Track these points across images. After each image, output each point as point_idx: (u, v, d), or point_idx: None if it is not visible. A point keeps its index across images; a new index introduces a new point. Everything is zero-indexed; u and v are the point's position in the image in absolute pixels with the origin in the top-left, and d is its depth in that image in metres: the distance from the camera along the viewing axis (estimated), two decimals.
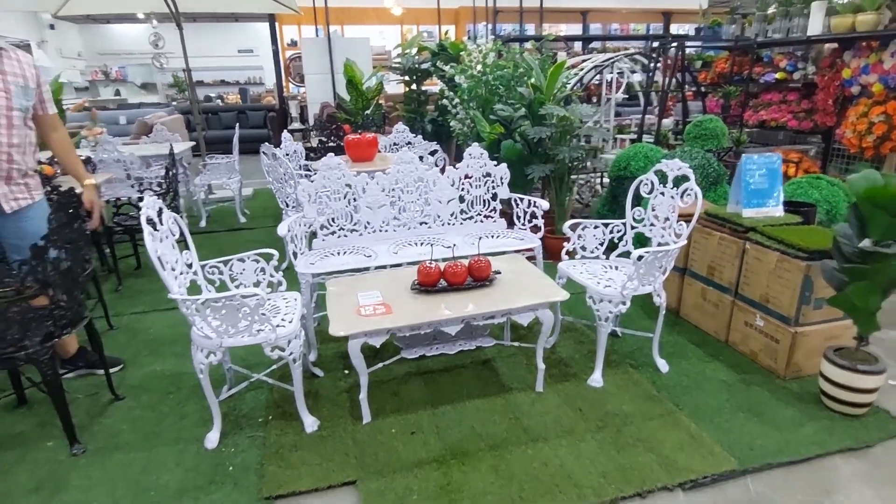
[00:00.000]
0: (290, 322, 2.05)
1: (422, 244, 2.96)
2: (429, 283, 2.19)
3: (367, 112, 6.71)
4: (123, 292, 3.66)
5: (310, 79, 8.39)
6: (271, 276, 2.36)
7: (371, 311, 2.03)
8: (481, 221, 3.19)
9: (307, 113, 9.25)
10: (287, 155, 4.46)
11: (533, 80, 4.02)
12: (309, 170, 4.79)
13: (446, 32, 12.82)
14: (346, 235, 2.97)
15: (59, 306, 1.99)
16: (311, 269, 2.55)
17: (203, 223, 5.26)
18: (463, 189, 3.13)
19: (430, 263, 2.19)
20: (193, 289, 2.17)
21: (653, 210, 2.56)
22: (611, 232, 2.68)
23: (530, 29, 10.93)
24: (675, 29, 12.77)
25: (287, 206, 3.80)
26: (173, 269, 2.00)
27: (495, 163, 3.14)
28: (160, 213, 2.03)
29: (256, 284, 2.34)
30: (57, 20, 9.72)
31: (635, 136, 4.95)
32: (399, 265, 2.64)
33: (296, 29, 13.63)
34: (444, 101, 5.39)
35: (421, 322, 2.00)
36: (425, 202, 3.07)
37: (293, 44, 13.65)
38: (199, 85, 16.89)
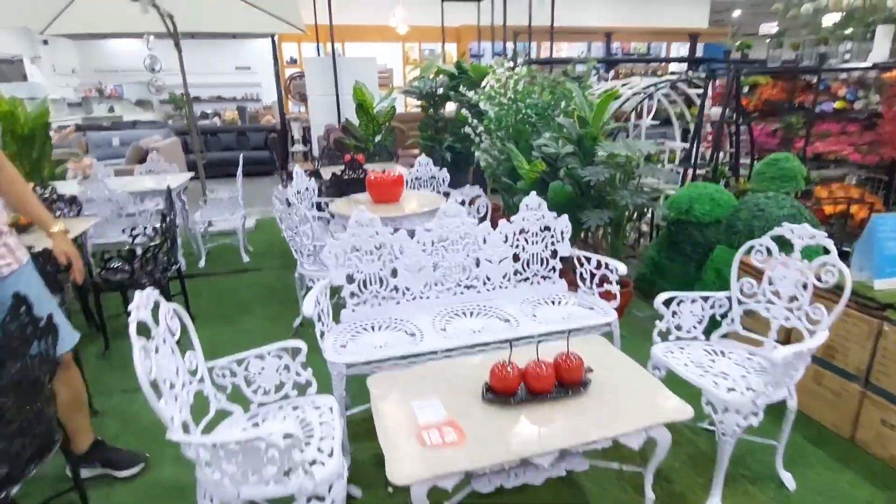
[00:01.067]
0: (329, 455, 1.54)
1: (471, 314, 2.46)
2: (506, 392, 1.69)
3: (378, 139, 6.26)
4: (112, 358, 3.12)
5: (314, 100, 7.93)
6: (297, 374, 1.85)
7: (438, 440, 1.52)
8: (538, 283, 2.69)
9: (310, 135, 8.78)
10: (299, 193, 3.96)
11: (576, 110, 3.57)
12: (321, 208, 4.29)
13: (442, 51, 12.49)
14: (379, 304, 2.46)
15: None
16: (344, 358, 2.04)
17: (202, 263, 4.74)
18: (517, 246, 2.64)
19: (508, 366, 1.69)
20: (199, 399, 1.66)
21: (769, 283, 2.07)
22: (712, 307, 2.18)
23: (537, 49, 10.55)
24: (679, 49, 12.49)
25: (302, 254, 3.30)
26: (172, 387, 1.48)
27: (555, 214, 2.66)
28: (156, 307, 1.52)
29: (280, 387, 1.83)
30: (51, 36, 9.26)
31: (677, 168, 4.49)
32: (452, 351, 2.13)
33: (296, 46, 13.25)
34: (468, 129, 4.94)
35: (508, 460, 1.48)
36: (474, 262, 2.57)
37: (293, 62, 13.25)
38: (196, 101, 16.48)
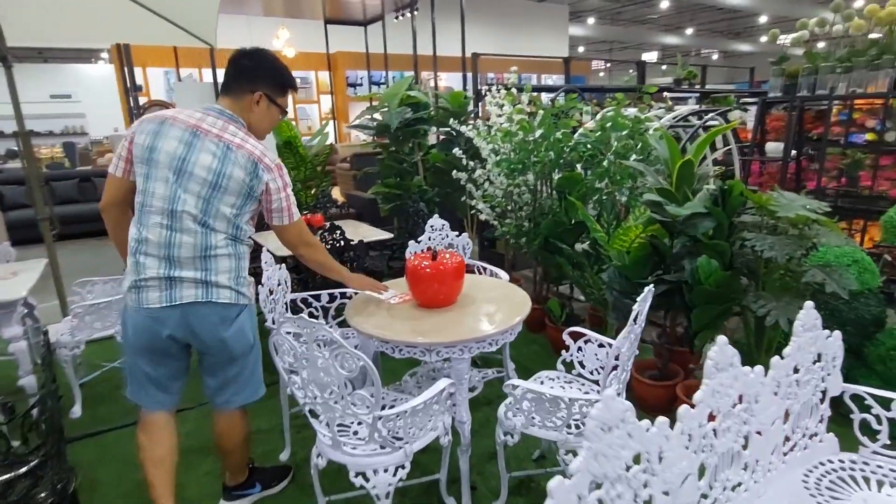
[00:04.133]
0: None
1: None
2: None
3: (313, 186, 4.78)
4: None
5: None
6: None
7: None
8: (804, 448, 1.61)
9: None
10: (271, 295, 2.41)
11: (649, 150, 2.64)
12: (296, 309, 2.77)
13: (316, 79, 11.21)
14: None
15: None
16: None
17: (77, 410, 2.90)
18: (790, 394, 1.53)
19: None
20: None
21: None
22: None
23: (417, 76, 9.74)
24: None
25: (329, 426, 1.83)
26: None
27: (827, 332, 1.61)
28: None
29: None
30: None
31: None
32: None
33: (139, 71, 10.98)
34: (459, 175, 3.76)
35: None
36: (743, 441, 1.41)
37: (138, 88, 10.93)
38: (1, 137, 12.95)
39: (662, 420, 1.17)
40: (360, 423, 1.81)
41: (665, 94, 4.83)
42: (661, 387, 2.69)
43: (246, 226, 1.85)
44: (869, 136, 4.02)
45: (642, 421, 1.14)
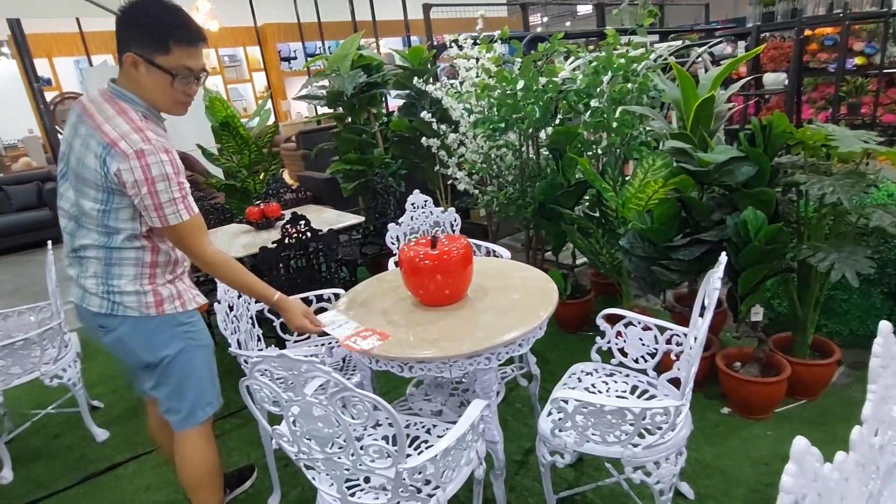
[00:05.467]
0: None
1: None
2: None
3: (261, 171, 4.23)
4: None
5: None
6: None
7: None
8: None
9: None
10: (231, 311, 1.93)
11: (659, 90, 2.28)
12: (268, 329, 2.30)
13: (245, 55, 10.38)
14: None
15: None
16: None
17: (7, 474, 2.36)
18: None
19: None
20: None
21: None
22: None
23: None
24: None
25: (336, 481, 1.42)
26: None
27: None
28: None
29: None
30: None
31: None
32: None
33: (45, 63, 9.91)
34: (431, 142, 3.31)
35: None
36: None
37: (47, 83, 9.83)
38: None
39: (842, 458, 0.81)
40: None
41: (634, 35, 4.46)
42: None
43: (123, 224, 1.46)
44: (858, 61, 3.79)
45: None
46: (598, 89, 2.77)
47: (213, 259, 1.53)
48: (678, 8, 17.62)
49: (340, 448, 1.21)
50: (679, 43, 3.54)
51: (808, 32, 4.03)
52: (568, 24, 25.33)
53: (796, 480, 0.68)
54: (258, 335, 2.11)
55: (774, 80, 3.19)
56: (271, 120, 5.22)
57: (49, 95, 9.06)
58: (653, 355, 1.75)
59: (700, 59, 3.59)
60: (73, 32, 8.46)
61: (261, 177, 4.19)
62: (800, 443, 0.69)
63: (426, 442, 1.58)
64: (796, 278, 2.16)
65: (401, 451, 1.21)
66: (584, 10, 22.69)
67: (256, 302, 2.04)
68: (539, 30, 24.47)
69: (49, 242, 2.51)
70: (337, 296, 2.21)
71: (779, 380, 2.08)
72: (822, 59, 3.96)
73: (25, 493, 2.26)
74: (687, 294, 2.75)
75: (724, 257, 1.45)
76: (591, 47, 4.83)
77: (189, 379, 1.62)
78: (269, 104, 4.73)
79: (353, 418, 1.16)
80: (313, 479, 1.39)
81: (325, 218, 3.28)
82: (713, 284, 1.39)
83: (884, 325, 0.95)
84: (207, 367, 1.68)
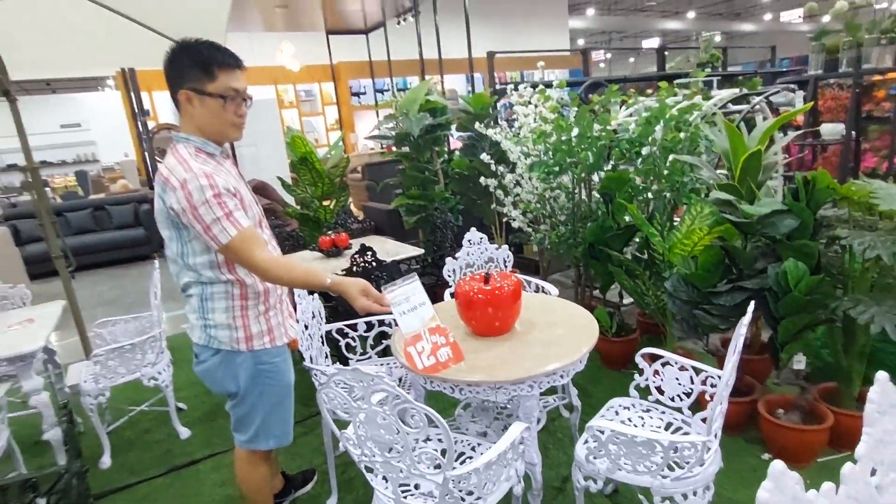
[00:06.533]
0: None
1: None
2: None
3: (332, 201, 4.58)
4: None
5: None
6: None
7: None
8: None
9: None
10: (307, 329, 2.21)
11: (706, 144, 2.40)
12: (336, 348, 2.56)
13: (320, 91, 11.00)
14: None
15: None
16: None
17: (107, 461, 2.71)
18: None
19: None
20: None
21: None
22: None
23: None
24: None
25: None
26: None
27: None
28: None
29: None
30: None
31: None
32: None
33: (146, 96, 10.93)
34: (488, 181, 3.54)
35: None
36: None
37: (145, 113, 10.86)
38: (12, 170, 12.96)
39: (828, 488, 0.94)
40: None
41: (691, 80, 4.56)
42: (739, 403, 2.43)
43: (200, 258, 1.58)
44: None
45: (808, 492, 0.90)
46: (651, 138, 2.93)
47: (266, 265, 1.55)
48: (745, 48, 17.34)
49: (398, 453, 1.42)
50: (736, 91, 3.63)
51: (877, 78, 4.02)
52: (632, 59, 25.32)
53: (771, 496, 0.82)
54: (326, 352, 2.38)
55: (832, 130, 3.22)
56: (342, 154, 5.64)
57: (148, 125, 10.04)
58: (688, 395, 1.86)
59: (758, 106, 3.67)
60: None
61: (331, 207, 4.55)
62: (777, 465, 0.83)
63: (471, 458, 1.76)
64: (841, 329, 2.21)
65: (449, 461, 1.40)
66: (650, 43, 22.69)
67: (327, 322, 2.30)
68: (602, 65, 24.59)
69: (156, 260, 2.90)
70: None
71: (820, 428, 2.12)
72: (887, 108, 3.93)
73: (121, 479, 2.59)
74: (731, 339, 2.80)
75: (752, 306, 1.57)
76: (649, 91, 4.97)
77: (257, 414, 1.76)
78: (341, 141, 5.13)
79: (409, 426, 1.37)
80: (372, 480, 1.60)
81: (386, 248, 3.55)
82: (738, 331, 1.51)
83: (881, 375, 1.06)
84: (280, 406, 1.80)
